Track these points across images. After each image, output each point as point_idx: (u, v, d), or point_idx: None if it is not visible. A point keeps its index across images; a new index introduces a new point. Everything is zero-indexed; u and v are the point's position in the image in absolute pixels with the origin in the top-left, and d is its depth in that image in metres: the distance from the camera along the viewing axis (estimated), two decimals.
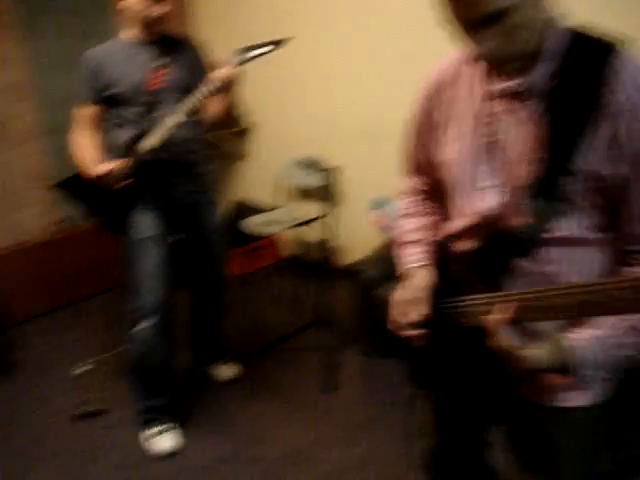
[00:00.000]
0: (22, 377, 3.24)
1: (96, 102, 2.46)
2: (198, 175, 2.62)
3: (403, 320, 1.34)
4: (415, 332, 1.31)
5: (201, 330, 3.01)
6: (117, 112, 2.46)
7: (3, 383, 3.18)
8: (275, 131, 4.26)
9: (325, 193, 3.94)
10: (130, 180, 2.37)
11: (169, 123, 2.31)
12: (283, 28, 3.85)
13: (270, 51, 2.26)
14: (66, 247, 3.93)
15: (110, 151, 2.49)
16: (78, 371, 3.19)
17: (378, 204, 3.23)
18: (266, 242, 4.34)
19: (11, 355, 3.42)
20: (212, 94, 2.29)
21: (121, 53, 2.43)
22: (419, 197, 1.52)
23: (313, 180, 3.95)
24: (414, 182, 1.52)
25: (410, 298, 1.33)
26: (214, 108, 2.51)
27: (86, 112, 2.49)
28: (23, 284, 3.78)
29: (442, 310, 1.31)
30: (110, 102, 2.46)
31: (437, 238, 1.41)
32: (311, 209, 4.10)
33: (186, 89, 2.45)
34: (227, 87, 2.29)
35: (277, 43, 2.26)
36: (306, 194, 4.19)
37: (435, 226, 1.46)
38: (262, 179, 4.34)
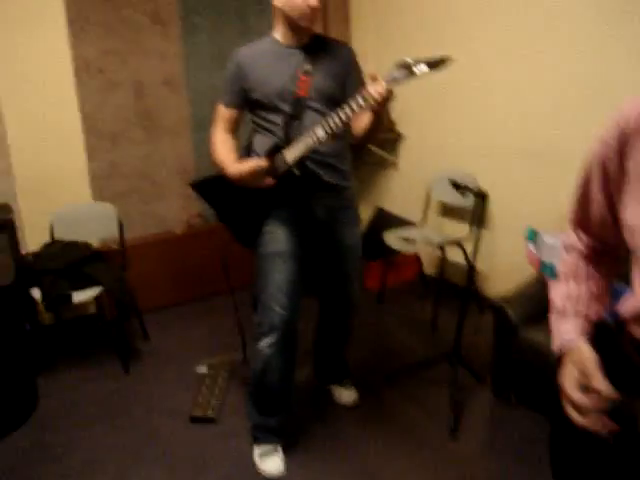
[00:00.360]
0: (141, 369, 3.23)
1: (235, 106, 2.35)
2: (340, 190, 2.42)
3: (582, 401, 1.03)
4: (599, 422, 1.01)
5: (325, 348, 2.82)
6: (258, 117, 2.32)
7: (122, 374, 3.18)
8: (424, 142, 4.02)
9: (473, 213, 3.63)
10: (273, 180, 2.23)
11: (314, 135, 2.12)
12: (436, 38, 3.68)
13: (433, 70, 1.96)
14: (199, 242, 3.91)
15: (248, 156, 2.37)
16: (200, 370, 3.13)
17: (534, 235, 2.89)
18: (406, 257, 4.10)
19: (132, 345, 3.43)
20: (363, 110, 2.08)
21: (270, 55, 2.27)
22: (585, 257, 1.22)
23: (461, 198, 3.66)
24: (582, 237, 1.22)
25: (581, 375, 1.05)
26: (363, 123, 2.26)
27: (225, 114, 2.38)
28: (153, 274, 3.81)
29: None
30: (252, 105, 2.32)
31: (604, 313, 1.14)
32: (457, 229, 3.82)
33: (334, 99, 2.27)
34: (380, 104, 2.04)
35: (439, 63, 1.95)
36: (453, 212, 3.91)
37: (600, 298, 1.17)
38: (407, 190, 4.11)
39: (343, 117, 2.06)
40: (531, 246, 2.87)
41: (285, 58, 2.26)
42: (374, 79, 2.00)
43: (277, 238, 2.32)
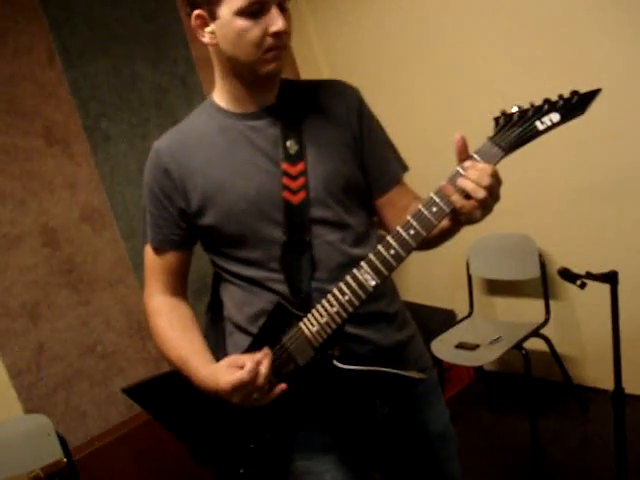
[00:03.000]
0: None
1: (173, 245, 1.32)
2: (405, 353, 1.38)
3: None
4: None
5: None
6: (224, 258, 1.31)
7: None
8: None
9: (538, 287, 2.68)
10: (284, 386, 1.18)
11: (356, 286, 1.13)
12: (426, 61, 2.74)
13: (571, 117, 1.00)
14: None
15: (225, 334, 1.38)
16: None
17: None
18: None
19: None
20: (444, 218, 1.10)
21: (218, 137, 1.26)
22: None
23: (520, 272, 2.71)
24: None
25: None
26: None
27: (157, 262, 1.34)
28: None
29: None
30: (207, 239, 1.32)
31: None
32: (518, 311, 2.86)
33: (352, 190, 1.29)
34: (483, 204, 1.05)
35: (583, 102, 1.00)
36: (501, 287, 2.94)
37: None
38: (433, 268, 3.10)
39: (411, 242, 1.08)
40: None
41: (247, 138, 1.24)
42: (462, 152, 1.06)
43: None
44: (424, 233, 1.07)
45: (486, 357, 2.48)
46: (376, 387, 1.30)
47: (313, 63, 3.25)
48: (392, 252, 1.09)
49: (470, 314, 2.95)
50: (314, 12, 3.20)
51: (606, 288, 1.84)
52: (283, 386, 1.16)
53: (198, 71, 3.11)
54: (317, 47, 3.28)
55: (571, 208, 2.53)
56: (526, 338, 2.53)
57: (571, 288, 2.59)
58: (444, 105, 2.77)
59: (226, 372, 1.13)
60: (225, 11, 1.12)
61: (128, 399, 2.64)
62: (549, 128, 1.01)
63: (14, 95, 2.60)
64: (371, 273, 1.11)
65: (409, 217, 1.08)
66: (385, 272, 1.11)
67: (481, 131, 1.08)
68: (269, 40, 1.13)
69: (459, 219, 1.10)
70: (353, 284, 1.13)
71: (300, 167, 1.21)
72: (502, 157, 1.04)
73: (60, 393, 2.68)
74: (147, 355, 2.93)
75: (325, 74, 3.28)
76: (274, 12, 1.11)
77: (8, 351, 2.58)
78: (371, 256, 1.11)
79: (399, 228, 1.09)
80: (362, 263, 1.12)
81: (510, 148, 1.03)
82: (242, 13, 1.11)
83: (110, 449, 2.66)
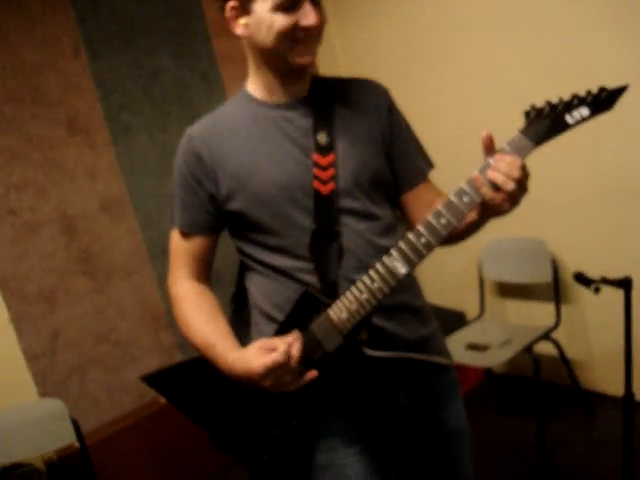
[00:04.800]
0: None
1: (202, 229, 1.33)
2: (427, 348, 1.40)
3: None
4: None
5: None
6: (251, 244, 1.33)
7: None
8: None
9: (556, 290, 2.68)
10: (314, 371, 1.21)
11: (387, 273, 1.16)
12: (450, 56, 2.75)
13: (599, 112, 1.03)
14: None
15: (240, 314, 1.39)
16: None
17: None
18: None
19: None
20: (473, 209, 1.12)
21: (251, 126, 1.29)
22: None
23: (534, 274, 2.72)
24: None
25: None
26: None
27: (186, 246, 1.35)
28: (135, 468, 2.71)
29: None
30: (235, 225, 1.34)
31: None
32: (529, 313, 2.86)
33: (379, 182, 1.32)
34: (513, 197, 1.07)
35: (611, 98, 1.02)
36: (514, 290, 2.95)
37: None
38: (444, 268, 3.10)
39: (442, 231, 1.11)
40: None
41: (279, 128, 1.27)
42: (490, 150, 1.08)
43: (347, 475, 1.30)
44: (455, 222, 1.10)
45: (496, 359, 2.49)
46: (401, 376, 1.32)
47: (333, 64, 3.27)
48: (423, 240, 1.11)
49: (481, 315, 2.96)
50: (337, 13, 3.21)
51: (617, 294, 1.85)
52: (314, 372, 1.18)
53: (220, 66, 3.14)
54: (338, 49, 3.29)
55: (585, 213, 2.54)
56: (536, 341, 2.55)
57: (583, 293, 2.60)
58: (468, 105, 2.78)
59: (258, 355, 1.14)
60: (259, 6, 1.16)
61: (140, 387, 2.70)
62: (578, 122, 1.04)
63: (39, 84, 2.64)
64: (401, 261, 1.13)
65: (440, 207, 1.10)
66: (415, 260, 1.13)
67: (508, 130, 1.10)
68: (301, 33, 1.17)
69: (487, 211, 1.13)
70: (383, 271, 1.15)
71: (330, 158, 1.24)
72: (532, 149, 1.06)
73: (74, 378, 2.72)
74: (160, 345, 2.97)
75: (343, 74, 3.30)
76: (307, 6, 1.15)
77: (25, 335, 2.63)
78: (401, 244, 1.13)
79: (429, 217, 1.11)
80: (392, 251, 1.14)
81: (540, 140, 1.06)
82: (277, 8, 1.14)
83: (122, 435, 2.69)
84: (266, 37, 1.18)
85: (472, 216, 1.15)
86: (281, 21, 1.15)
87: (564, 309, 2.70)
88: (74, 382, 2.71)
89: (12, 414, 2.41)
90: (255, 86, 1.31)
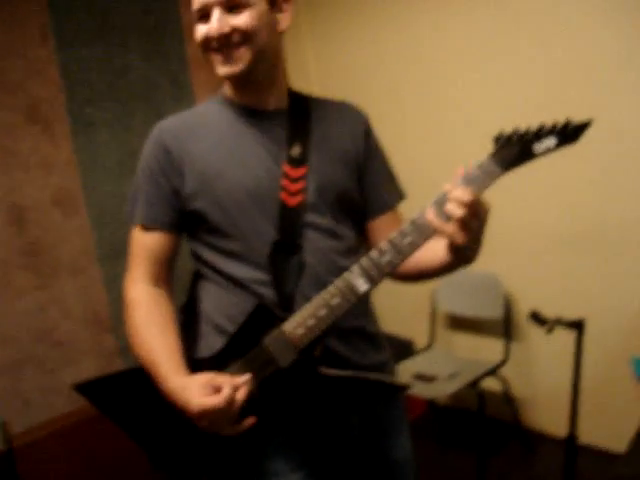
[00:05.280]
0: None
1: (165, 225, 1.27)
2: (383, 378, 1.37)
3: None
4: None
5: None
6: (208, 249, 1.27)
7: None
8: None
9: (505, 325, 2.70)
10: (252, 420, 1.15)
11: (346, 290, 1.13)
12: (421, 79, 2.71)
13: (566, 143, 1.04)
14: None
15: (199, 335, 1.31)
16: None
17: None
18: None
19: None
20: (427, 239, 1.11)
21: (224, 126, 1.26)
22: None
23: (485, 309, 2.73)
24: None
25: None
26: (433, 256, 1.23)
27: (147, 242, 1.27)
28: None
29: None
30: (194, 227, 1.28)
31: None
32: (475, 346, 2.87)
33: (348, 203, 1.30)
34: (464, 226, 1.05)
35: (577, 131, 1.03)
36: (469, 325, 2.96)
37: None
38: (396, 297, 3.08)
39: (406, 250, 1.09)
40: None
41: (253, 133, 1.25)
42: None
43: None
44: (420, 242, 1.08)
45: (442, 390, 2.48)
46: (353, 400, 1.29)
47: (305, 80, 3.25)
48: (386, 258, 1.09)
49: (430, 346, 2.96)
50: (313, 33, 3.20)
51: (567, 336, 1.87)
52: (251, 420, 1.12)
53: (191, 71, 3.09)
54: (312, 66, 3.28)
55: (540, 253, 2.57)
56: (483, 376, 2.55)
57: (533, 331, 2.62)
58: (437, 131, 2.79)
59: (199, 392, 1.07)
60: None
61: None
62: (544, 152, 1.05)
63: (1, 67, 2.54)
64: (362, 277, 1.11)
65: (404, 226, 1.09)
66: (377, 278, 1.11)
67: (474, 157, 1.10)
68: (214, 43, 1.17)
69: (451, 249, 1.12)
70: (343, 287, 1.12)
71: (301, 171, 1.22)
72: (500, 174, 1.06)
73: (6, 377, 2.59)
74: (100, 349, 2.86)
75: (316, 92, 3.29)
76: (214, 15, 1.15)
77: None
78: (363, 261, 1.11)
79: (394, 235, 1.09)
80: (353, 267, 1.12)
81: (508, 166, 1.06)
82: (197, 20, 1.19)
83: (52, 440, 2.56)
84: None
85: (441, 255, 1.15)
86: (198, 32, 1.18)
87: (513, 346, 2.72)
88: (6, 381, 2.58)
89: None
90: (233, 90, 1.29)
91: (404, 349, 3.02)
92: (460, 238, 1.05)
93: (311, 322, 1.14)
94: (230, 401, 1.06)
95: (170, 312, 1.27)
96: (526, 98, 2.45)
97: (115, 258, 2.81)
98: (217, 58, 1.18)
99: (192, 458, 1.28)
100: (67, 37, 2.69)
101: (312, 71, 3.28)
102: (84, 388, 1.24)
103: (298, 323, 1.15)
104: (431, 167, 2.65)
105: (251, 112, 1.26)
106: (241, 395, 1.09)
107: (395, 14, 2.83)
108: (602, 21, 2.22)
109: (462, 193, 1.02)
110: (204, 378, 1.11)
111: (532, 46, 2.42)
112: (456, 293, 2.84)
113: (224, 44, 1.16)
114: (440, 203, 1.06)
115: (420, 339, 3.05)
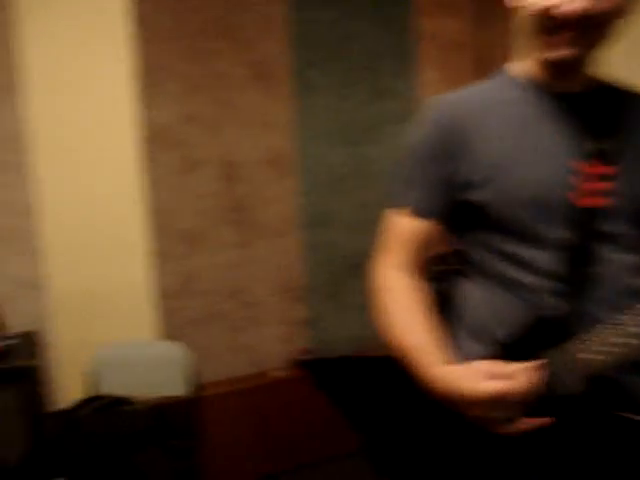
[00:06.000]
0: None
1: (438, 213, 1.13)
2: None
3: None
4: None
5: None
6: (481, 247, 1.11)
7: None
8: None
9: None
10: (547, 420, 0.95)
11: None
12: None
13: None
14: (306, 391, 2.60)
15: (467, 334, 1.14)
16: None
17: None
18: None
19: None
20: None
21: (514, 110, 1.08)
22: None
23: None
24: None
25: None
26: None
27: (413, 230, 1.13)
28: (237, 439, 2.53)
29: None
30: (466, 220, 1.11)
31: None
32: None
33: None
34: None
35: None
36: None
37: None
38: None
39: None
40: None
41: (553, 116, 1.06)
42: None
43: None
44: None
45: None
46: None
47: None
48: None
49: None
50: None
51: None
52: (546, 420, 0.95)
53: (421, 46, 2.92)
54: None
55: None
56: None
57: None
58: None
59: (476, 377, 0.95)
60: None
61: (255, 353, 2.54)
62: None
63: (233, 23, 2.56)
64: None
65: None
66: None
67: None
68: (550, 21, 0.96)
69: None
70: None
71: (609, 169, 1.02)
72: None
73: (197, 327, 2.60)
74: (287, 317, 2.79)
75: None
76: None
77: (161, 272, 2.54)
78: None
79: None
80: None
81: None
82: None
83: (231, 398, 2.56)
84: (522, 22, 1.02)
85: None
86: (530, 3, 0.98)
87: None
88: (197, 331, 2.59)
89: (133, 349, 2.31)
90: (525, 68, 1.10)
91: None
92: None
93: (605, 349, 0.94)
94: (525, 388, 0.93)
95: (429, 302, 1.14)
96: None
97: (317, 226, 2.72)
98: (547, 39, 0.99)
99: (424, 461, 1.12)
100: None
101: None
102: (311, 364, 1.14)
103: (590, 347, 0.95)
104: None
105: (554, 94, 1.06)
106: (535, 381, 0.93)
107: None
108: None
109: None
110: (482, 365, 0.97)
111: None
112: None
113: (569, 24, 0.96)
114: None
115: None
